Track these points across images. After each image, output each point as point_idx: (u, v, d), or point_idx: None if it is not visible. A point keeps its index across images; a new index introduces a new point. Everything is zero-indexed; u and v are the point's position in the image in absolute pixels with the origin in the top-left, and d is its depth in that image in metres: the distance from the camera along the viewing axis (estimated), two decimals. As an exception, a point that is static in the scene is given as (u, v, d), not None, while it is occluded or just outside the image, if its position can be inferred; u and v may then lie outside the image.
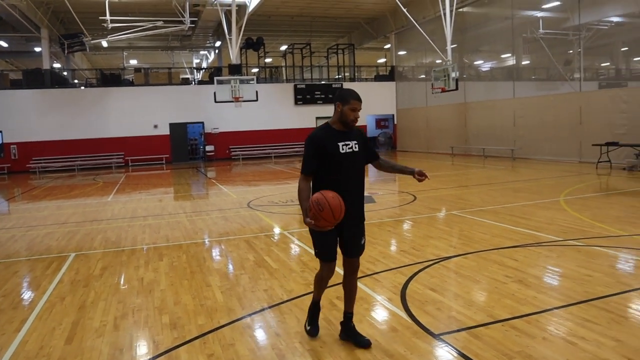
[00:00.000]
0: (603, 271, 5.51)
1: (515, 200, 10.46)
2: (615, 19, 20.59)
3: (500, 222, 8.33)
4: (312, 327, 4.13)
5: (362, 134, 3.99)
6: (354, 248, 3.96)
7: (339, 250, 3.94)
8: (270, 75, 32.56)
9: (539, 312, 4.43)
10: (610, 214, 8.68)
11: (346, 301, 4.09)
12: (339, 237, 3.89)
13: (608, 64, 25.38)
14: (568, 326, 4.12)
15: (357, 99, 3.80)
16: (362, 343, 3.91)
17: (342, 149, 3.78)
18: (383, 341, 4.00)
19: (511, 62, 23.54)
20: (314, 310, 4.16)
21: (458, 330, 4.13)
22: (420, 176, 4.08)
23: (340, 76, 32.68)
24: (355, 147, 3.84)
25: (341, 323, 4.12)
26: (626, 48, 23.38)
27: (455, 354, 3.72)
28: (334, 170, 3.75)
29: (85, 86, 28.74)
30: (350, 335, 4.00)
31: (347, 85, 29.81)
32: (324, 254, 3.88)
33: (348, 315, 4.06)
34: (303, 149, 3.86)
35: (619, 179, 13.37)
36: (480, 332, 4.08)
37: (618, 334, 3.92)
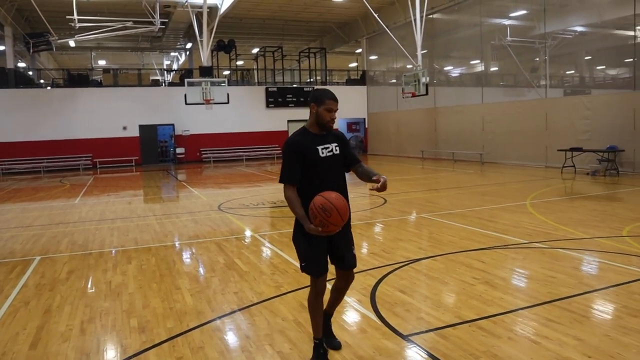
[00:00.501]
0: (566, 273, 5.67)
1: (483, 204, 10.66)
2: (579, 29, 21.18)
3: (469, 225, 8.48)
4: None
5: (342, 136, 3.79)
6: (348, 257, 3.71)
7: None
8: (242, 77, 32.44)
9: (505, 313, 4.53)
10: (573, 217, 8.93)
11: (330, 305, 3.94)
12: (329, 248, 3.63)
13: (572, 71, 26.07)
14: (532, 326, 4.22)
15: (333, 98, 3.58)
16: (334, 345, 3.91)
17: (322, 153, 3.56)
18: (352, 342, 4.03)
19: (480, 68, 24.00)
20: (322, 352, 3.66)
21: (426, 331, 4.20)
22: (379, 188, 3.55)
23: (312, 80, 32.77)
24: (336, 150, 3.64)
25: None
26: (589, 57, 24.05)
27: (424, 355, 3.78)
28: (315, 176, 3.53)
29: (52, 86, 28.06)
30: (325, 334, 3.87)
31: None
32: (315, 268, 3.54)
33: (328, 315, 3.95)
34: (281, 156, 3.61)
35: (582, 184, 13.75)
36: (448, 332, 4.16)
37: (580, 333, 4.04)
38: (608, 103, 16.25)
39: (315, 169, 3.53)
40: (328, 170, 3.59)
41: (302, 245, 3.58)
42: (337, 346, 3.92)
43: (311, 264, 3.55)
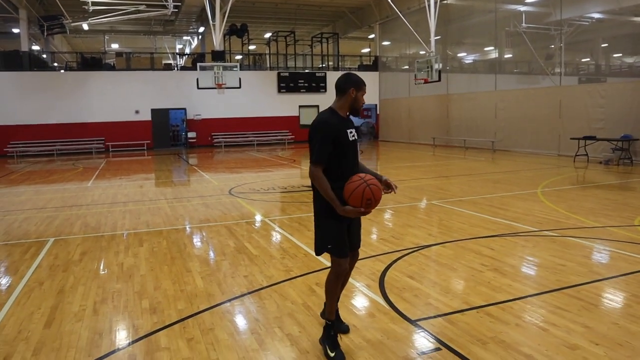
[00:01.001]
0: (576, 261, 5.66)
1: (494, 191, 10.62)
2: (596, 16, 20.86)
3: (479, 212, 8.46)
4: (337, 352, 3.56)
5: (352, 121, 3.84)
6: (358, 238, 3.85)
7: None
8: (254, 62, 32.37)
9: (513, 300, 4.55)
10: (585, 206, 8.87)
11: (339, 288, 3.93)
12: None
13: (588, 59, 25.73)
14: (540, 313, 4.23)
15: (365, 84, 3.74)
16: (342, 329, 3.95)
17: (349, 137, 3.61)
18: (361, 326, 4.07)
19: (494, 55, 23.74)
20: (332, 334, 3.66)
21: (434, 317, 4.23)
22: (387, 187, 3.72)
23: (324, 65, 32.61)
24: (355, 135, 3.70)
25: (325, 303, 3.94)
26: (606, 44, 23.71)
27: (432, 339, 3.81)
28: (343, 158, 3.56)
29: (65, 69, 28.26)
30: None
31: (330, 74, 29.79)
32: (342, 250, 3.60)
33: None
34: (312, 135, 3.54)
35: (595, 172, 13.63)
36: (456, 318, 4.18)
37: (587, 321, 4.05)
38: (623, 91, 16.03)
39: (344, 152, 3.56)
40: (353, 153, 3.64)
41: (331, 228, 3.59)
42: (345, 330, 3.98)
43: (339, 246, 3.60)
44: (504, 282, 5.03)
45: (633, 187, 11.07)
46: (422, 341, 3.82)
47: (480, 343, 3.71)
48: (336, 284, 3.66)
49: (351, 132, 3.64)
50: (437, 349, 3.65)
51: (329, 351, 3.58)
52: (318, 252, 3.69)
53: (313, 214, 3.72)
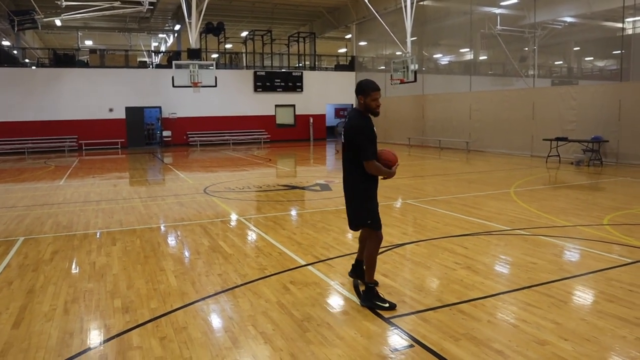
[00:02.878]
0: (547, 259, 5.77)
1: (468, 191, 10.76)
2: (569, 19, 21.28)
3: (453, 212, 8.56)
4: (389, 302, 4.36)
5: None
6: None
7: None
8: (230, 61, 32.17)
9: (485, 297, 4.61)
10: (556, 205, 9.05)
11: (360, 252, 4.85)
12: None
13: (561, 62, 26.23)
14: (512, 310, 4.30)
15: (376, 89, 4.31)
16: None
17: (376, 134, 4.39)
18: (335, 324, 4.08)
19: (469, 56, 24.03)
20: (377, 291, 4.47)
21: (408, 314, 4.26)
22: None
23: (300, 64, 32.59)
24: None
25: (353, 265, 4.97)
26: (578, 48, 24.20)
27: (405, 337, 3.84)
28: (375, 151, 4.35)
29: (37, 66, 27.64)
30: (360, 276, 4.77)
31: (307, 74, 29.81)
32: (380, 222, 4.47)
33: (359, 261, 4.84)
34: (354, 136, 4.31)
35: (566, 173, 13.91)
36: (429, 315, 4.22)
37: (557, 317, 4.13)
38: (594, 94, 16.39)
39: (375, 146, 4.36)
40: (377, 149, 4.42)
41: (371, 204, 4.42)
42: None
43: (378, 220, 4.45)
44: (477, 279, 5.10)
45: (603, 188, 11.33)
46: (396, 338, 3.84)
47: (452, 340, 3.76)
48: (377, 252, 4.52)
49: (374, 130, 4.41)
50: (411, 346, 3.68)
51: (381, 304, 4.33)
52: (356, 228, 4.59)
53: (345, 198, 4.56)
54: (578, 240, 6.64)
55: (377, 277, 5.14)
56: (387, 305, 4.31)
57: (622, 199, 9.64)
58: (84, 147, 25.21)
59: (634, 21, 17.09)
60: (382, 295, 4.42)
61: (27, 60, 29.97)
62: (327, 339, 3.83)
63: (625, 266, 5.48)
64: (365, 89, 4.27)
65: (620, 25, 16.84)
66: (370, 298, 4.40)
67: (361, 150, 4.26)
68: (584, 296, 4.68)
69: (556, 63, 26.33)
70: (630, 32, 16.88)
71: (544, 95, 18.47)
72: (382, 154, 4.40)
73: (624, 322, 4.03)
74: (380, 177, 4.46)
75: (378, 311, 4.31)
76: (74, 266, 5.88)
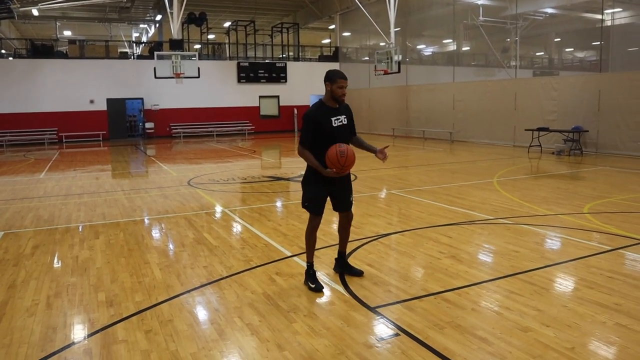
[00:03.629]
0: (529, 247, 5.85)
1: (452, 181, 10.84)
2: (550, 11, 21.45)
3: (437, 202, 8.62)
4: (316, 284, 4.62)
5: (349, 109, 4.73)
6: (344, 204, 4.76)
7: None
8: (213, 52, 31.87)
9: (470, 285, 4.66)
10: (538, 194, 9.16)
11: (340, 243, 4.99)
12: (330, 197, 4.68)
13: (542, 53, 26.46)
14: (495, 298, 4.36)
15: (343, 77, 4.48)
16: (355, 273, 4.92)
17: (335, 123, 4.49)
18: (321, 314, 4.10)
19: (452, 47, 24.12)
20: (311, 272, 4.69)
21: (393, 303, 4.29)
22: (382, 154, 4.62)
23: (284, 55, 32.43)
24: (345, 121, 4.57)
25: (335, 259, 5.08)
26: (558, 39, 24.43)
27: (390, 325, 3.87)
28: (329, 141, 4.39)
29: (14, 57, 27.11)
30: (345, 269, 4.98)
31: (291, 65, 29.68)
32: (315, 207, 4.58)
33: (341, 253, 5.01)
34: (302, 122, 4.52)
35: (548, 163, 14.08)
36: (414, 304, 4.26)
37: (539, 304, 4.19)
38: (575, 84, 16.57)
39: (328, 136, 4.43)
40: (338, 136, 4.49)
41: (309, 189, 4.59)
42: (358, 274, 4.92)
43: (313, 204, 4.59)
44: (461, 268, 5.15)
45: (583, 177, 11.49)
46: (382, 327, 3.87)
47: (437, 328, 3.80)
48: (311, 235, 4.65)
49: (338, 119, 4.53)
50: (396, 335, 3.71)
51: (310, 284, 4.62)
52: (302, 206, 4.68)
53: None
54: (559, 229, 6.74)
55: (363, 267, 5.19)
56: (313, 286, 4.58)
57: (601, 188, 9.79)
58: (64, 140, 24.85)
59: (613, 13, 17.28)
60: (316, 276, 4.70)
61: (3, 51, 29.36)
62: (313, 329, 3.85)
63: (605, 253, 5.58)
64: (332, 77, 4.47)
65: (599, 16, 17.01)
66: (305, 278, 4.74)
67: (301, 133, 4.55)
68: (565, 283, 4.76)
69: (537, 54, 26.55)
70: (609, 23, 17.06)
71: (525, 86, 18.63)
72: (328, 151, 4.33)
73: (604, 308, 4.11)
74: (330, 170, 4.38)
75: (363, 300, 4.34)
76: (56, 260, 5.82)
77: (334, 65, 30.68)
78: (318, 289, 4.57)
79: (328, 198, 4.70)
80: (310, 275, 4.68)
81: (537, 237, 6.40)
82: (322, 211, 4.62)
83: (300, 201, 4.70)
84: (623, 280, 4.74)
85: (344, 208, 4.79)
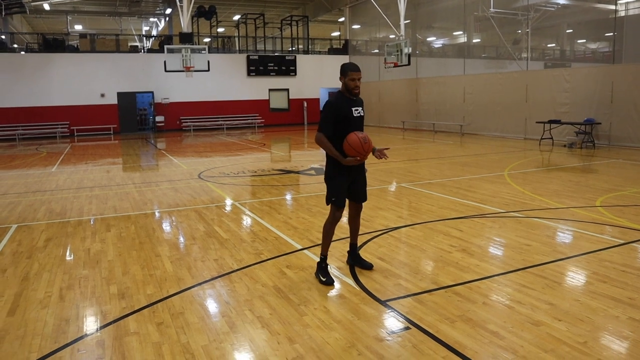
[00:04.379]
0: (541, 241, 5.81)
1: (463, 174, 10.78)
2: (562, 1, 21.21)
3: (447, 195, 8.59)
4: (327, 277, 4.64)
5: (363, 103, 4.80)
6: (362, 195, 4.83)
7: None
8: (223, 45, 31.88)
9: (480, 279, 4.64)
10: (549, 187, 9.09)
11: (352, 234, 4.99)
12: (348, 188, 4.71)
13: (554, 44, 26.18)
14: (506, 291, 4.34)
15: (354, 70, 4.55)
16: (365, 266, 4.95)
17: (354, 113, 4.58)
18: (332, 307, 4.10)
19: (462, 39, 23.94)
20: (324, 266, 4.71)
21: (404, 297, 4.29)
22: (379, 153, 4.63)
23: (293, 48, 32.35)
24: (362, 112, 4.68)
25: (348, 252, 5.08)
26: (570, 30, 24.15)
27: (401, 319, 3.87)
28: (348, 130, 4.49)
29: (26, 51, 27.27)
30: (355, 261, 5.00)
31: (300, 57, 29.62)
32: (341, 201, 4.62)
33: (353, 245, 5.02)
34: (322, 111, 4.61)
35: (559, 155, 13.96)
36: (425, 298, 4.25)
37: (551, 298, 4.17)
38: (587, 76, 16.39)
39: (349, 125, 4.52)
40: (356, 126, 4.59)
41: (335, 183, 4.62)
42: (368, 267, 4.94)
43: (339, 198, 4.62)
44: (472, 262, 5.13)
45: (595, 170, 11.38)
46: (392, 321, 3.87)
47: (448, 322, 3.79)
48: (331, 228, 4.69)
49: (357, 110, 4.62)
50: (407, 328, 3.71)
51: (321, 277, 4.64)
52: (327, 203, 4.68)
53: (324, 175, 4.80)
54: (571, 222, 6.68)
55: (373, 260, 5.18)
56: (324, 279, 4.61)
57: (614, 181, 9.69)
58: (76, 133, 25.03)
59: (627, 3, 17.05)
60: (328, 270, 4.72)
61: (15, 46, 29.55)
62: (324, 322, 3.85)
63: (618, 247, 5.53)
64: (344, 70, 4.56)
65: (612, 7, 16.79)
66: (317, 270, 4.76)
67: (320, 121, 4.58)
68: (577, 277, 4.73)
69: (549, 46, 26.28)
70: (622, 14, 16.84)
71: (537, 78, 18.45)
72: (349, 139, 4.43)
73: (617, 302, 4.08)
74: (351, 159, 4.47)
75: (374, 293, 4.34)
76: (68, 253, 5.87)
77: (344, 58, 30.60)
78: (329, 283, 4.59)
79: None
80: (322, 268, 4.69)
81: (548, 230, 6.35)
82: (345, 204, 4.67)
83: (325, 197, 4.70)
84: (637, 274, 4.69)
85: (362, 198, 4.84)
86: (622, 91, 15.16)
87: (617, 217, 6.87)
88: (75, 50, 26.41)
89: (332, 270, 4.96)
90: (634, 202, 7.83)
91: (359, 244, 5.37)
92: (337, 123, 4.50)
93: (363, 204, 4.93)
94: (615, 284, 4.46)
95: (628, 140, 15.07)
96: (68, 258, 5.67)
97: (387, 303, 4.16)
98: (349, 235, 5.05)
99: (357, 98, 4.66)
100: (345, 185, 4.65)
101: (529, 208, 7.50)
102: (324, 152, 4.59)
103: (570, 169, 11.42)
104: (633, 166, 11.56)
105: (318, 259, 4.83)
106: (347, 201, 4.76)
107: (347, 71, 4.53)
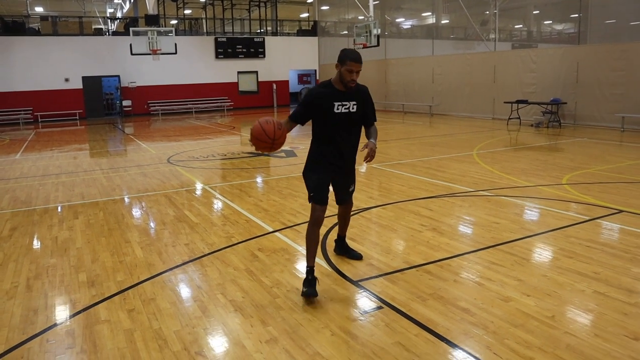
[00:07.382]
0: (509, 219, 5.92)
1: (432, 154, 10.89)
2: (528, -18, 21.42)
3: (418, 175, 8.66)
4: (308, 289, 3.87)
5: (366, 95, 4.13)
6: (343, 195, 4.36)
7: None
8: (190, 27, 31.25)
9: (451, 257, 4.71)
10: (517, 166, 9.26)
11: (340, 227, 4.71)
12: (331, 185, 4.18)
13: (521, 25, 26.49)
14: (476, 269, 4.42)
15: (355, 60, 3.86)
16: (354, 256, 4.71)
17: (337, 109, 3.93)
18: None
19: (431, 20, 24.05)
20: (309, 278, 3.93)
21: (376, 277, 4.32)
22: (367, 156, 4.09)
23: (262, 30, 31.95)
24: (353, 108, 3.99)
25: (335, 241, 4.85)
26: (537, 11, 24.45)
27: (373, 298, 3.90)
28: (326, 125, 3.98)
29: (-16, 34, 26.26)
30: (343, 251, 4.76)
31: (269, 39, 29.28)
32: (317, 196, 3.98)
33: (341, 236, 4.77)
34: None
35: (526, 135, 14.21)
36: (397, 277, 4.29)
37: (520, 274, 4.26)
38: (553, 57, 16.65)
39: (327, 121, 3.96)
40: (339, 124, 3.98)
41: (312, 177, 4.05)
42: (357, 257, 4.70)
43: (317, 193, 3.99)
44: (442, 241, 5.20)
45: (561, 148, 11.63)
46: (365, 301, 3.90)
47: (420, 300, 3.84)
48: (312, 232, 4.00)
49: (343, 105, 3.94)
50: (379, 308, 3.74)
51: (303, 288, 3.93)
52: (309, 201, 4.06)
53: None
54: (538, 200, 6.83)
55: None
56: (305, 290, 3.87)
57: (579, 159, 9.93)
58: (40, 119, 24.31)
59: (592, -17, 17.31)
60: (311, 281, 3.91)
61: (-28, 29, 28.40)
62: (297, 304, 3.86)
63: (583, 223, 5.67)
64: (342, 57, 3.88)
65: (578, -13, 17.03)
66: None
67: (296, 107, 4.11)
68: (544, 253, 4.84)
69: (516, 27, 26.58)
70: (588, -6, 17.10)
71: (504, 58, 18.67)
72: (254, 131, 3.84)
73: (583, 276, 4.19)
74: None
75: (346, 274, 4.36)
76: (35, 242, 5.73)
77: (313, 40, 30.39)
78: (307, 294, 3.85)
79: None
80: (308, 281, 3.91)
81: (516, 208, 6.47)
82: (327, 201, 4.03)
83: (307, 195, 4.11)
84: (601, 249, 4.83)
85: (340, 201, 4.40)
86: (587, 71, 15.46)
87: (583, 194, 7.04)
88: (36, 33, 25.50)
89: (304, 252, 4.95)
90: (598, 179, 8.03)
91: (330, 227, 5.37)
92: (314, 116, 3.96)
93: (352, 204, 4.54)
94: (581, 259, 4.58)
95: (592, 119, 15.42)
96: (35, 247, 5.54)
97: (360, 283, 4.19)
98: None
99: (353, 90, 3.99)
100: (325, 181, 4.04)
101: (497, 187, 7.63)
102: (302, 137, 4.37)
103: (537, 148, 11.64)
104: (597, 144, 11.85)
105: (303, 265, 4.29)
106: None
107: (346, 60, 3.85)
